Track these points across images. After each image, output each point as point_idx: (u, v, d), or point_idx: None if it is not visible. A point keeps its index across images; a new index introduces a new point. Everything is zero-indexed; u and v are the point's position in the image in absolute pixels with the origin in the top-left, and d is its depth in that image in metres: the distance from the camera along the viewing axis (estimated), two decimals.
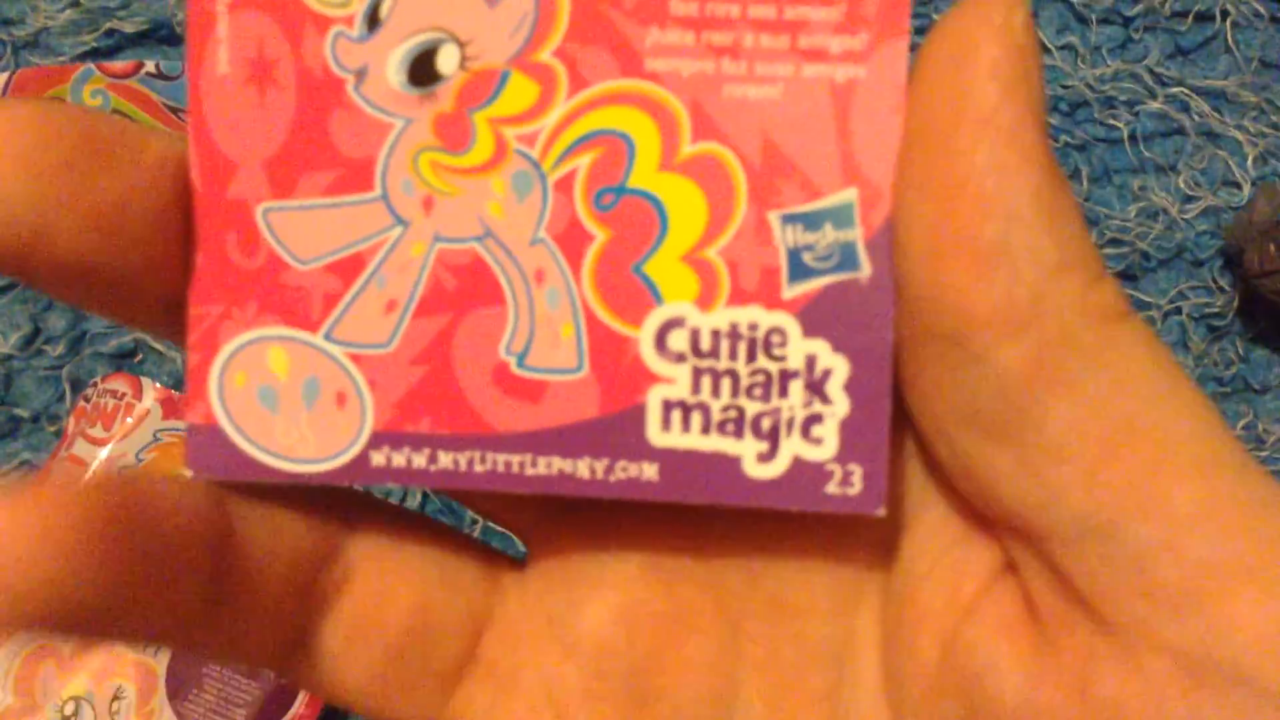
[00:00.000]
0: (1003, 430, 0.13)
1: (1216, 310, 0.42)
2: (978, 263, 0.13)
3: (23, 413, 0.38)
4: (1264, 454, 0.41)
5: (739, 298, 0.15)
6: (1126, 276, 0.43)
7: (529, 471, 0.15)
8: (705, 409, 0.15)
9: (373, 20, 0.14)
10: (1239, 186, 0.44)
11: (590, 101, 0.14)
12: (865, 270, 0.14)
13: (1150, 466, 0.12)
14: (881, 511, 0.15)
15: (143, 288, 0.15)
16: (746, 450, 0.15)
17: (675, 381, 0.15)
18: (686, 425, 0.15)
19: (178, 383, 0.38)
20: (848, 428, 0.15)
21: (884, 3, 0.14)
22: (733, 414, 0.15)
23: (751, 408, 0.15)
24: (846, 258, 0.14)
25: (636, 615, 0.17)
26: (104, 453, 0.35)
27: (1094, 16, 0.45)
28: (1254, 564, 0.12)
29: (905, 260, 0.14)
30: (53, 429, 0.38)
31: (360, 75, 0.14)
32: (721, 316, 0.15)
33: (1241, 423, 0.41)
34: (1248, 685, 0.12)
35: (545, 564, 0.18)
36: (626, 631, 0.17)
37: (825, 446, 0.15)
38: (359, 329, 0.15)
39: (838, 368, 0.15)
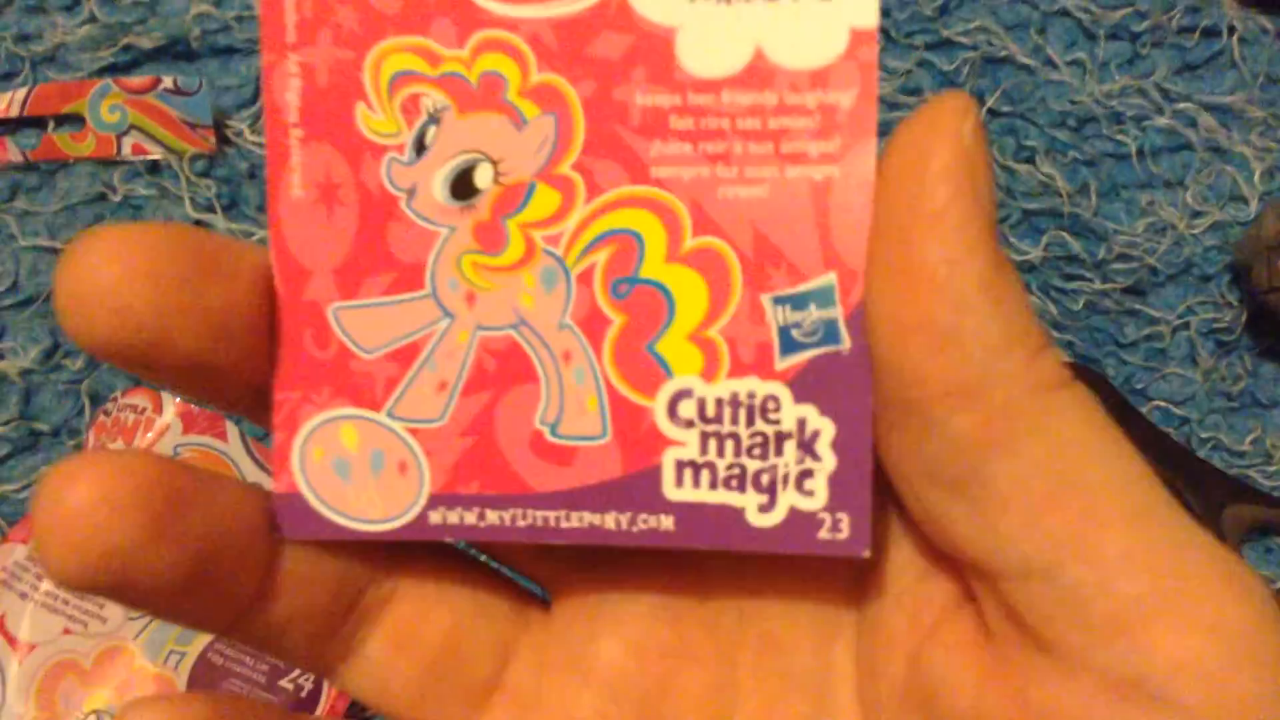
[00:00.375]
0: (958, 485, 0.15)
1: (1225, 325, 0.43)
2: (933, 343, 0.14)
3: (43, 426, 0.39)
4: (1272, 468, 0.41)
5: (738, 370, 0.17)
6: (1135, 291, 0.43)
7: (564, 525, 0.17)
8: (712, 467, 0.17)
9: (420, 147, 0.17)
10: (1246, 202, 0.44)
11: (605, 206, 0.17)
12: (846, 344, 0.16)
13: (1084, 516, 0.14)
14: (867, 553, 0.17)
15: (237, 378, 0.17)
16: (749, 502, 0.17)
17: (686, 444, 0.17)
18: (697, 482, 0.17)
19: None
20: (835, 481, 0.17)
21: (853, 112, 0.16)
22: (736, 471, 0.17)
23: (752, 465, 0.17)
24: (829, 333, 0.16)
25: (646, 648, 0.19)
26: None
27: (1102, 32, 0.46)
28: (1174, 599, 0.14)
29: (874, 338, 0.16)
30: (72, 443, 0.38)
31: (411, 193, 0.17)
32: (723, 387, 0.17)
33: (1250, 438, 0.42)
34: (1166, 703, 0.14)
35: (567, 606, 0.20)
36: (637, 662, 0.19)
37: (817, 498, 0.17)
38: (416, 407, 0.17)
39: (825, 429, 0.17)
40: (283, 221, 0.17)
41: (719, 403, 0.17)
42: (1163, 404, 0.42)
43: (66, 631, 0.34)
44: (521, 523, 0.17)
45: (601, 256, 0.17)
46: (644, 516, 0.17)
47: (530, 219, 0.17)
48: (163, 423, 0.36)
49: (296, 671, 0.35)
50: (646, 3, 0.16)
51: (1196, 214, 0.44)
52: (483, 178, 0.17)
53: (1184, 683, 0.14)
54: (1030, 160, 0.44)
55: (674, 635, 0.19)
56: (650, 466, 0.17)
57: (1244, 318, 0.43)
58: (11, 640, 0.34)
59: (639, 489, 0.17)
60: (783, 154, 0.16)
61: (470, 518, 0.17)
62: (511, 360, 0.17)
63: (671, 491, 0.17)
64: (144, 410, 0.36)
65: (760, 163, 0.16)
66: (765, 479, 0.17)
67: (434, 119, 0.17)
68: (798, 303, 0.17)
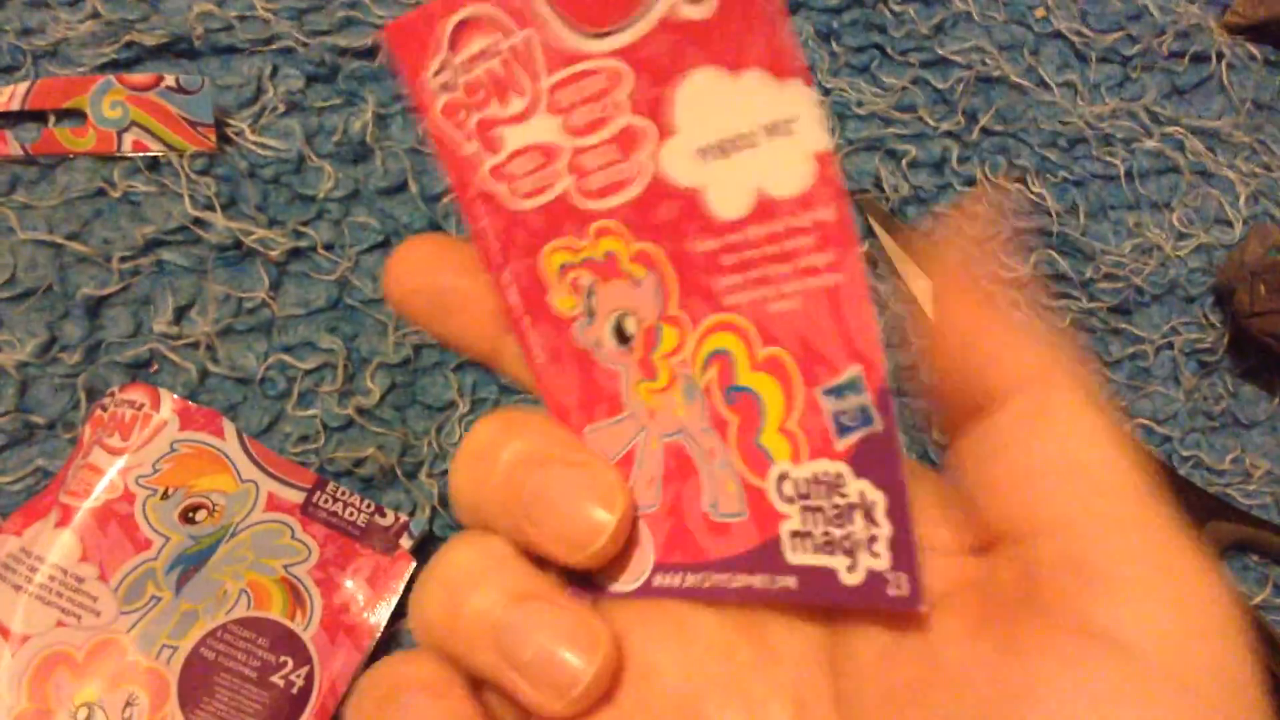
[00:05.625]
0: (1006, 452, 0.18)
1: (1207, 346, 0.43)
2: (1000, 339, 0.18)
3: (38, 420, 0.39)
4: (1251, 487, 0.42)
5: (814, 454, 0.20)
6: (1120, 311, 0.44)
7: (731, 585, 0.21)
8: (811, 535, 0.20)
9: (590, 312, 0.22)
10: (1231, 225, 0.45)
11: (704, 332, 0.21)
12: (878, 424, 0.19)
13: (1102, 487, 0.18)
14: (925, 609, 0.19)
15: None
16: (839, 564, 0.20)
17: (791, 517, 0.20)
18: (805, 547, 0.20)
19: (192, 393, 0.39)
20: (894, 545, 0.19)
21: (838, 224, 0.19)
22: (827, 538, 0.20)
23: (836, 533, 0.20)
24: (865, 416, 0.19)
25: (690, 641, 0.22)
26: (121, 462, 0.36)
27: (1094, 55, 0.46)
28: (1156, 568, 0.17)
29: (942, 354, 0.19)
30: (68, 436, 0.38)
31: (597, 345, 0.22)
32: (807, 468, 0.20)
33: (1230, 456, 0.42)
34: (1128, 652, 0.16)
35: None
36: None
37: (883, 559, 0.19)
38: (640, 498, 0.22)
39: (879, 500, 0.19)
40: (541, 379, 0.23)
41: (807, 481, 0.20)
42: (1145, 422, 0.43)
43: (60, 624, 0.34)
44: (707, 584, 0.21)
45: (713, 372, 0.21)
46: (778, 578, 0.21)
47: (665, 351, 0.21)
48: (160, 419, 0.36)
49: (288, 667, 0.35)
50: (676, 171, 0.20)
51: (1182, 236, 0.45)
52: (630, 326, 0.22)
53: (1148, 639, 0.16)
54: (1021, 179, 0.44)
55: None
56: (773, 537, 0.21)
57: (1226, 339, 0.43)
58: (4, 632, 0.34)
59: (770, 555, 0.21)
60: (800, 269, 0.19)
61: (677, 580, 0.22)
62: (682, 459, 0.22)
63: (790, 556, 0.20)
64: (141, 405, 0.36)
65: (787, 280, 0.20)
66: (847, 544, 0.20)
67: (591, 291, 0.22)
68: (839, 393, 0.20)
